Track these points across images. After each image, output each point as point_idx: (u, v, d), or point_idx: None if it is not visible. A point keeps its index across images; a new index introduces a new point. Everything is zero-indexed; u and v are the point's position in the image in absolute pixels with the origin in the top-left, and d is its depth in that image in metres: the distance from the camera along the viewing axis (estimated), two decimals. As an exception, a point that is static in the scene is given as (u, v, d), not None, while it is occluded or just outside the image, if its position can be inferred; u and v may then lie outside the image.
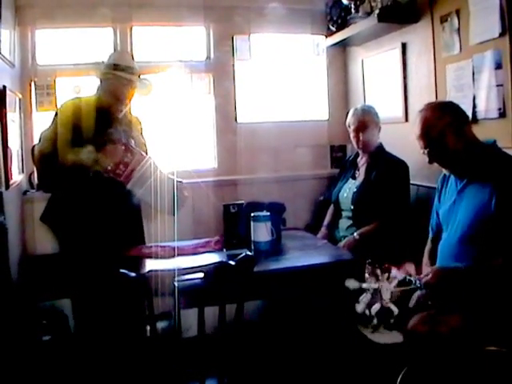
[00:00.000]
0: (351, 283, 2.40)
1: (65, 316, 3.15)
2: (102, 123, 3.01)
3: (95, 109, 3.04)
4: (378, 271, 2.35)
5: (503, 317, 2.09)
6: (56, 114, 3.08)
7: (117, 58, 3.19)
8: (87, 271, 2.84)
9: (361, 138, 3.54)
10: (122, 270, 2.08)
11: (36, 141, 3.69)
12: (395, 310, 2.28)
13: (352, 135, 3.61)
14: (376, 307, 2.30)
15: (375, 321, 2.31)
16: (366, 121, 3.55)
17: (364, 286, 2.37)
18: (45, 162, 3.03)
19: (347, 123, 3.67)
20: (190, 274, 2.20)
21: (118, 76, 3.06)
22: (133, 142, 3.10)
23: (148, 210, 3.19)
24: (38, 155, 3.05)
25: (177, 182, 3.08)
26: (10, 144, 3.16)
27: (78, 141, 2.92)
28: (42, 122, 3.84)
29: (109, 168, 2.92)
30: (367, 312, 2.32)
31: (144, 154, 3.04)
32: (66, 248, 3.11)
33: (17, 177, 3.45)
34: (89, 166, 2.92)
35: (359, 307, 2.35)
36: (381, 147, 3.60)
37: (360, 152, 3.65)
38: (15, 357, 2.58)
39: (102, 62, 3.22)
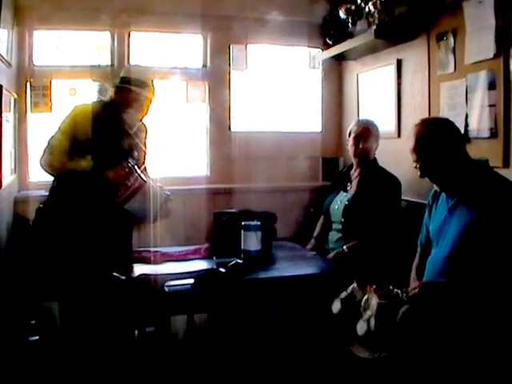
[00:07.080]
0: (335, 307, 2.42)
1: (53, 316, 3.13)
2: (114, 133, 2.99)
3: (107, 118, 2.99)
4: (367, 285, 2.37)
5: (487, 332, 2.11)
6: (65, 118, 2.99)
7: (138, 73, 3.12)
8: (76, 274, 2.83)
9: (360, 145, 3.53)
10: (113, 273, 2.09)
11: (30, 142, 3.71)
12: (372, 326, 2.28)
13: (351, 143, 3.59)
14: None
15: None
16: (369, 130, 3.55)
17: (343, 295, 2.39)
18: (54, 172, 2.97)
19: (348, 131, 3.66)
20: (181, 279, 2.21)
21: (140, 93, 3.01)
22: (136, 153, 3.08)
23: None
24: (47, 166, 2.97)
25: (164, 194, 3.07)
26: (2, 144, 3.15)
27: (84, 149, 2.88)
28: (36, 122, 3.87)
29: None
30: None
31: (145, 179, 2.96)
32: (56, 251, 3.09)
33: (8, 177, 3.44)
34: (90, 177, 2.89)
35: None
36: (375, 162, 3.61)
37: (354, 163, 3.65)
38: (2, 357, 2.57)
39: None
